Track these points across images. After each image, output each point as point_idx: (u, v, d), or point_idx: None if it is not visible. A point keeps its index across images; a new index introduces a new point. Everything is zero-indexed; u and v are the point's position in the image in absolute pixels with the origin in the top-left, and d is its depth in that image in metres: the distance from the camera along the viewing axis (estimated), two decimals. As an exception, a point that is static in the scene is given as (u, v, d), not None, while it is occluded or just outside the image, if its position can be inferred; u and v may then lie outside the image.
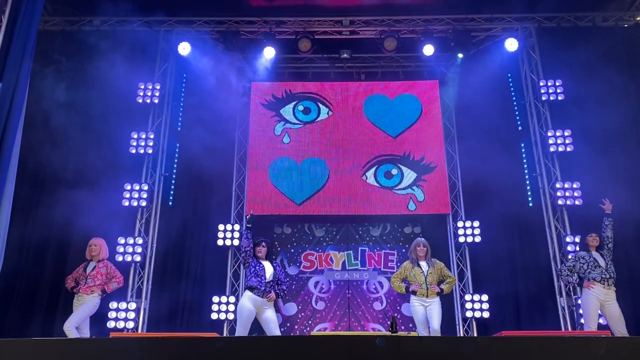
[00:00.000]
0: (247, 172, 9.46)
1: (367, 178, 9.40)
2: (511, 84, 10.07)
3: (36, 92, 7.98)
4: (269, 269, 6.21)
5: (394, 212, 9.25)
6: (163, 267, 8.86)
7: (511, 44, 9.40)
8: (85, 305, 6.21)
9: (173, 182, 9.54)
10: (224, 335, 8.20)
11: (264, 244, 6.34)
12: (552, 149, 8.89)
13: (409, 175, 9.40)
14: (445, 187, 9.29)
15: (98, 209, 8.19)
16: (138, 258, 8.41)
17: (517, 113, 9.87)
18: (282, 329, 8.37)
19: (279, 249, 9.45)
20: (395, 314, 8.78)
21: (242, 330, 6.00)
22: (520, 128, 9.77)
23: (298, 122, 9.84)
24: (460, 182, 9.39)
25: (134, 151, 8.91)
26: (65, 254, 8.29)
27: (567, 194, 8.58)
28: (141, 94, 9.21)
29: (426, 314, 6.24)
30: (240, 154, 9.66)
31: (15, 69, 6.21)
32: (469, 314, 8.43)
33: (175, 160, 9.71)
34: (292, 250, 9.46)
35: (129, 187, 8.67)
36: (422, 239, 6.63)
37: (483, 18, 9.53)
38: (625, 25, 9.53)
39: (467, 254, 8.92)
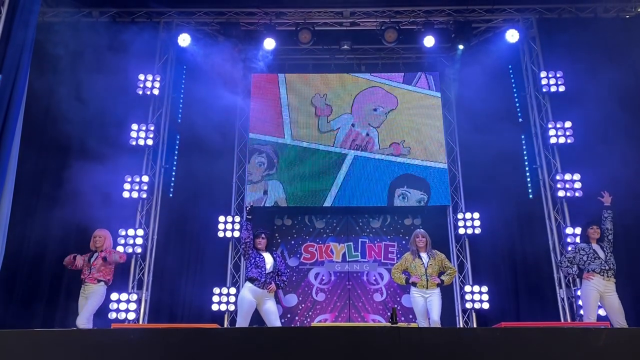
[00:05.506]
0: (247, 164, 9.46)
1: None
2: (512, 76, 10.04)
3: (35, 84, 7.94)
4: (269, 260, 6.23)
5: (394, 203, 9.26)
6: (164, 258, 8.88)
7: (512, 35, 9.35)
8: (93, 297, 6.29)
9: (173, 173, 9.54)
10: (225, 326, 8.24)
11: (264, 235, 6.35)
12: (552, 141, 8.87)
13: (410, 167, 9.41)
14: (445, 179, 9.30)
15: (99, 200, 8.20)
16: (139, 250, 8.45)
17: (517, 105, 9.84)
18: (283, 320, 8.40)
19: (279, 240, 9.46)
20: (396, 305, 8.81)
21: (242, 322, 6.02)
22: (520, 120, 9.75)
23: (298, 114, 9.80)
24: (461, 174, 9.39)
25: (134, 143, 8.90)
26: (66, 246, 8.26)
27: (567, 185, 8.57)
28: (141, 85, 9.19)
29: (426, 305, 6.25)
30: (241, 145, 9.65)
31: (14, 60, 6.20)
32: (468, 305, 8.47)
33: (176, 152, 9.70)
34: (293, 242, 9.47)
35: (129, 179, 8.68)
36: (422, 230, 6.62)
37: (484, 9, 9.47)
38: (627, 17, 9.47)
39: (467, 246, 8.94)
